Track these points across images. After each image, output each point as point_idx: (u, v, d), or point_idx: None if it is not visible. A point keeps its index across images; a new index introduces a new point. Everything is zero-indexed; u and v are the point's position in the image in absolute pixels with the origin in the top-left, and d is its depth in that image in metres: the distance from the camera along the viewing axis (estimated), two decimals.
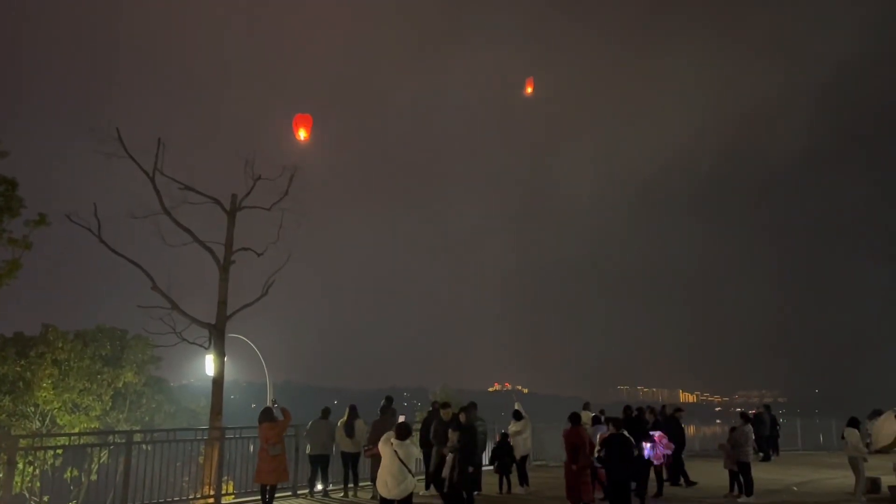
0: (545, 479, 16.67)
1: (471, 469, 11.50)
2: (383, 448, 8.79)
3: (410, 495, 8.70)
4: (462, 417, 12.15)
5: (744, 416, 15.86)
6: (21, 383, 21.60)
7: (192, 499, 12.52)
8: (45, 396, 21.77)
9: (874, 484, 15.00)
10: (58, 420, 22.34)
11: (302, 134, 21.48)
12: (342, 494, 13.79)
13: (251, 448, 13.35)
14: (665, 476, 15.20)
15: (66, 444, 17.59)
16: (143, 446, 13.54)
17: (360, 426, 13.91)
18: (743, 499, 13.89)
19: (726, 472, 14.71)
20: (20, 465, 18.83)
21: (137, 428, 22.91)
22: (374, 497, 12.04)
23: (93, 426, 22.64)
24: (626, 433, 11.64)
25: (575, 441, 12.13)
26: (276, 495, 12.29)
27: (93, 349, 23.60)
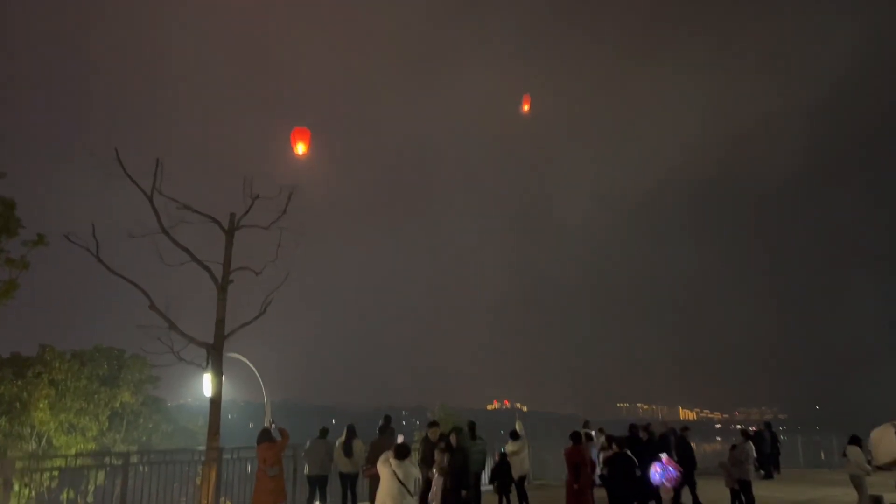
0: (546, 499, 16.56)
1: (463, 493, 11.16)
2: (382, 468, 8.73)
3: None
4: (452, 439, 11.79)
5: (744, 433, 15.81)
6: (17, 404, 21.47)
7: None
8: (42, 417, 21.63)
9: (877, 501, 14.92)
10: (54, 441, 22.19)
11: (300, 148, 21.49)
12: None
13: (249, 469, 13.27)
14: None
15: (63, 465, 17.45)
16: (140, 467, 13.43)
17: (359, 446, 13.84)
18: None
19: (728, 491, 14.62)
20: (16, 488, 18.64)
21: (134, 449, 22.75)
22: None
23: (89, 447, 22.48)
24: (629, 453, 11.58)
25: (576, 460, 12.07)
26: None
27: (90, 369, 23.50)
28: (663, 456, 14.24)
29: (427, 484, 11.37)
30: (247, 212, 18.03)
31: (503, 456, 15.39)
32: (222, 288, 17.16)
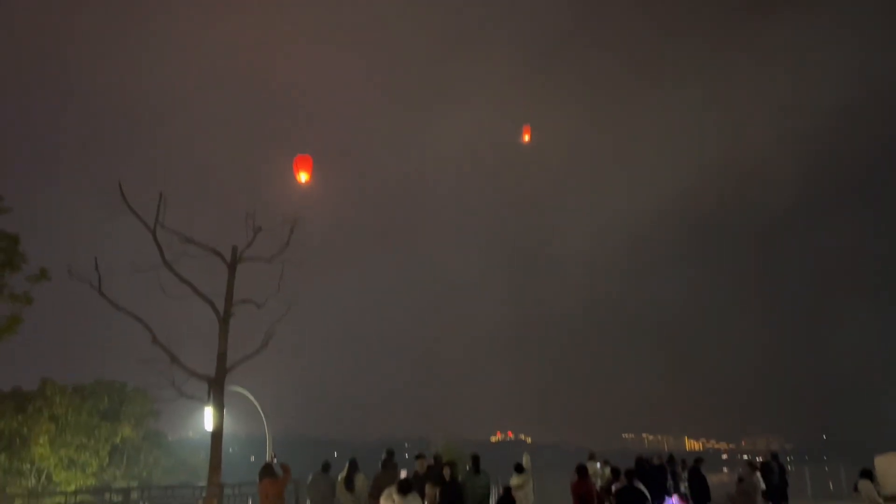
0: None
1: None
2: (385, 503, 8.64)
3: None
4: (446, 472, 11.56)
5: (751, 465, 15.62)
6: (18, 439, 21.33)
7: None
8: (42, 453, 21.46)
9: None
10: (54, 477, 21.99)
11: (303, 176, 21.60)
12: None
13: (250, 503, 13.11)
14: None
15: (63, 502, 17.27)
16: (141, 503, 13.29)
17: (361, 480, 13.66)
18: None
19: None
20: None
21: (135, 484, 22.52)
22: None
23: (89, 483, 22.26)
24: (640, 486, 11.42)
25: (582, 493, 11.93)
26: None
27: (91, 403, 23.38)
28: (674, 498, 14.04)
29: None
30: (249, 244, 18.07)
31: (507, 490, 15.18)
32: (224, 321, 17.14)
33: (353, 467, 13.79)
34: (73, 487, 21.30)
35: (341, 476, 13.85)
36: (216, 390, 16.81)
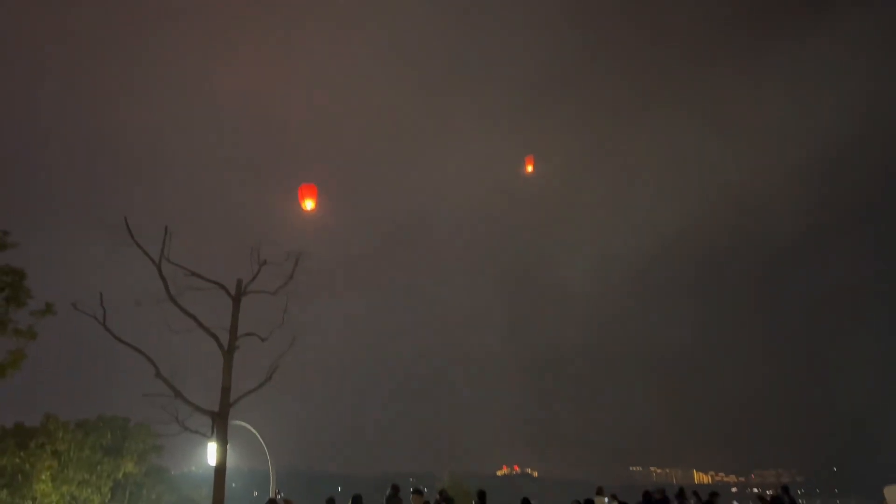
0: None
1: None
2: None
3: None
4: None
5: (762, 499, 15.39)
6: (20, 476, 21.15)
7: None
8: (44, 489, 21.27)
9: None
10: None
11: (308, 204, 21.68)
12: None
13: None
14: None
15: None
16: None
17: None
18: None
19: None
20: None
21: None
22: None
23: None
24: None
25: None
26: None
27: (94, 439, 23.22)
28: None
29: None
30: (254, 278, 18.08)
31: None
32: (228, 355, 17.07)
33: (358, 503, 13.64)
34: None
35: None
36: (220, 425, 16.69)
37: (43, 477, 21.20)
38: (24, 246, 16.17)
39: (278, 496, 12.62)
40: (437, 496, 15.07)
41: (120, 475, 23.34)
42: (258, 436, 22.42)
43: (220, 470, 16.69)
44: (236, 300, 17.62)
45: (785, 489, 24.82)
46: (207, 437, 16.85)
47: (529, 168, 34.10)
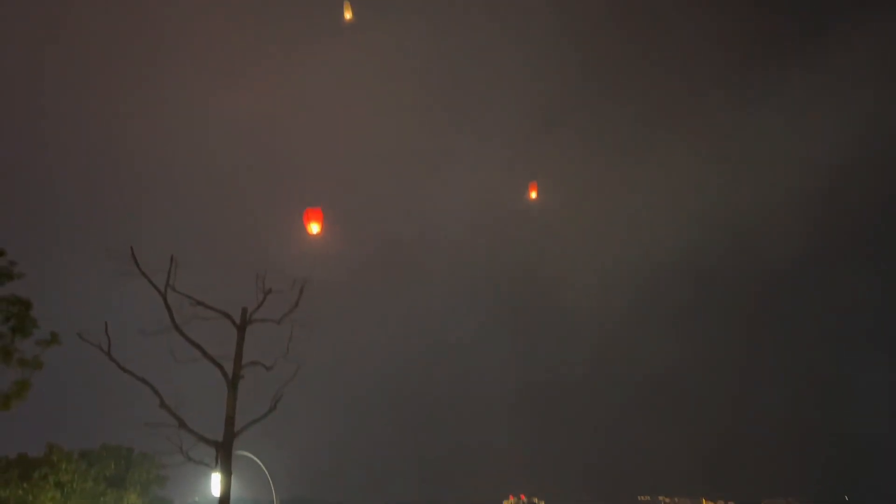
0: None
1: None
2: None
3: None
4: None
5: None
6: None
7: None
8: None
9: None
10: None
11: (314, 228, 21.76)
12: None
13: None
14: None
15: None
16: None
17: None
18: None
19: None
20: None
21: None
22: None
23: None
24: None
25: None
26: None
27: (97, 469, 23.08)
28: None
29: None
30: (259, 306, 18.08)
31: None
32: (233, 384, 17.03)
33: None
34: None
35: None
36: (224, 455, 16.60)
37: None
38: (29, 275, 16.26)
39: None
40: None
41: None
42: (262, 466, 22.31)
43: (224, 501, 16.57)
44: (241, 329, 17.61)
45: None
46: (211, 468, 16.76)
47: (533, 194, 34.25)
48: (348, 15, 27.94)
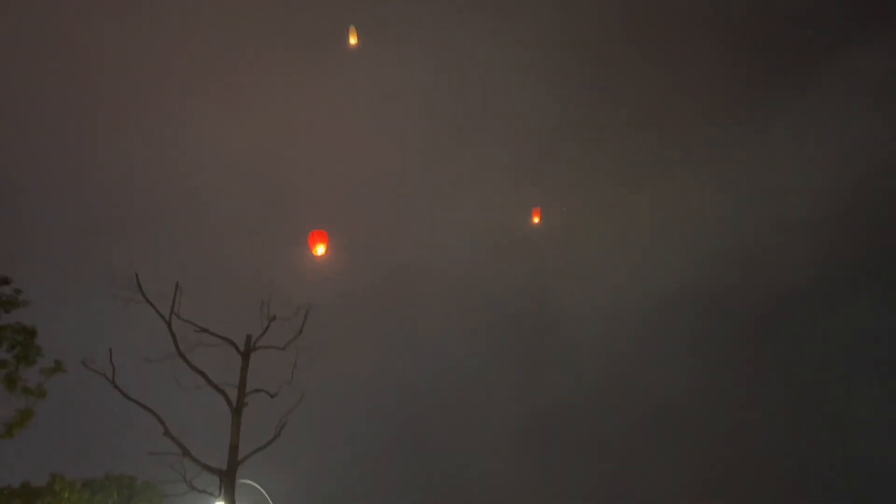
0: None
1: None
2: None
3: None
4: None
5: None
6: None
7: None
8: None
9: None
10: None
11: (319, 249, 21.76)
12: None
13: None
14: None
15: None
16: None
17: None
18: None
19: None
20: None
21: None
22: None
23: None
24: None
25: None
26: None
27: (100, 499, 22.84)
28: None
29: None
30: (263, 333, 18.08)
31: None
32: (237, 412, 16.98)
33: None
34: None
35: None
36: (227, 484, 16.50)
37: None
38: (33, 302, 16.29)
39: None
40: None
41: None
42: (266, 495, 22.09)
43: None
44: (245, 356, 17.60)
45: None
46: (215, 497, 16.65)
47: (536, 219, 34.26)
48: (353, 40, 28.18)
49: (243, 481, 19.87)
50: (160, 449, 16.50)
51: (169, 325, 17.35)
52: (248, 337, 17.93)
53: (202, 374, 17.20)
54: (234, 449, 16.70)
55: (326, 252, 22.06)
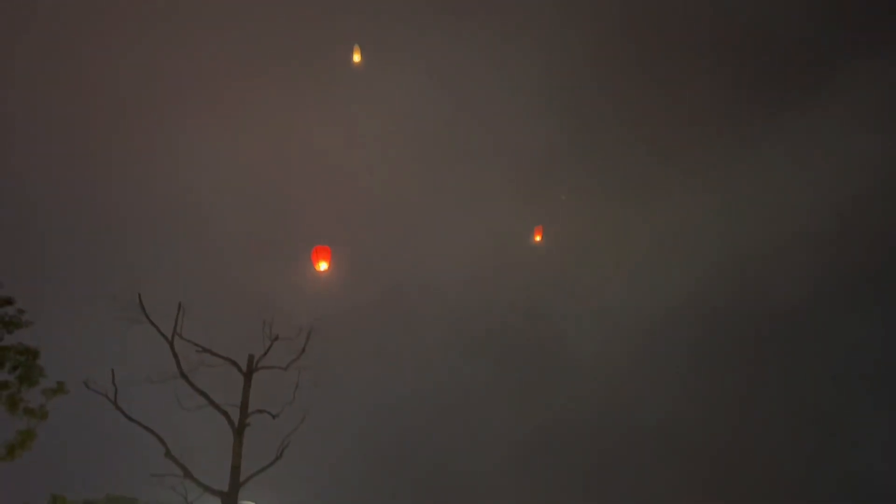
0: None
1: None
2: None
3: None
4: None
5: None
6: None
7: None
8: None
9: None
10: None
11: (322, 265, 21.77)
12: None
13: None
14: None
15: None
16: None
17: None
18: None
19: None
20: None
21: None
22: None
23: None
24: None
25: None
26: None
27: None
28: None
29: None
30: (265, 353, 18.08)
31: None
32: (239, 433, 16.94)
33: None
34: None
35: None
36: None
37: None
38: (35, 322, 16.31)
39: None
40: None
41: None
42: None
43: None
44: (247, 376, 17.59)
45: None
46: None
47: (538, 238, 34.29)
48: (357, 58, 28.36)
49: (245, 503, 19.77)
50: (162, 470, 16.45)
51: (171, 345, 17.37)
52: (251, 357, 17.93)
53: (204, 394, 17.18)
54: (235, 470, 16.64)
55: (329, 268, 22.06)
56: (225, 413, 17.17)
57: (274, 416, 17.71)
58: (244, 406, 17.36)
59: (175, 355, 17.31)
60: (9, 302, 15.36)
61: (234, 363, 17.71)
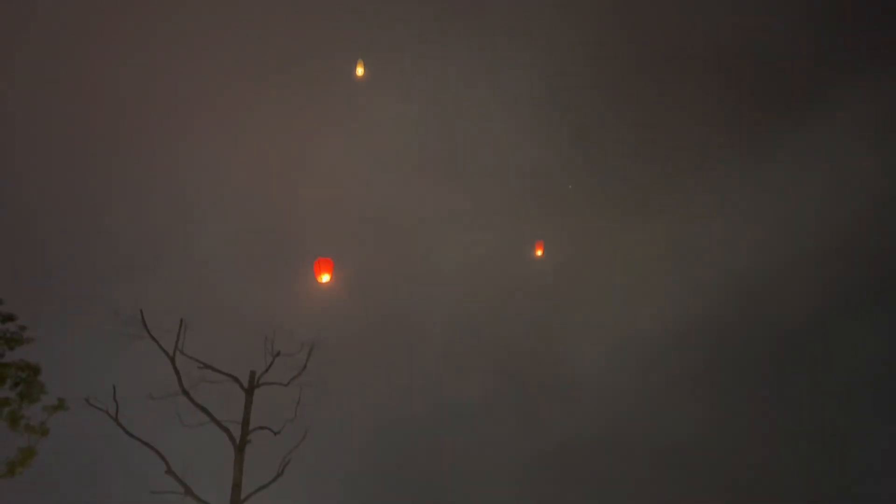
0: None
1: None
2: None
3: None
4: None
5: None
6: None
7: None
8: None
9: None
10: None
11: (324, 277, 21.80)
12: None
13: None
14: None
15: None
16: None
17: None
18: None
19: None
20: None
21: None
22: None
23: None
24: None
25: None
26: None
27: None
28: None
29: None
30: (267, 369, 18.06)
31: None
32: (240, 449, 16.87)
33: None
34: None
35: None
36: None
37: None
38: (36, 339, 16.31)
39: None
40: None
41: None
42: None
43: None
44: (249, 393, 17.55)
45: None
46: None
47: (539, 252, 34.26)
48: (360, 71, 28.49)
49: None
50: (162, 487, 16.38)
51: (173, 361, 17.35)
52: (252, 373, 17.90)
53: (205, 410, 17.14)
54: (236, 487, 16.54)
55: (331, 280, 22.09)
56: (226, 430, 17.11)
57: (275, 433, 17.65)
58: (245, 423, 17.30)
59: (177, 371, 17.29)
60: (10, 318, 15.38)
61: (236, 379, 17.68)
